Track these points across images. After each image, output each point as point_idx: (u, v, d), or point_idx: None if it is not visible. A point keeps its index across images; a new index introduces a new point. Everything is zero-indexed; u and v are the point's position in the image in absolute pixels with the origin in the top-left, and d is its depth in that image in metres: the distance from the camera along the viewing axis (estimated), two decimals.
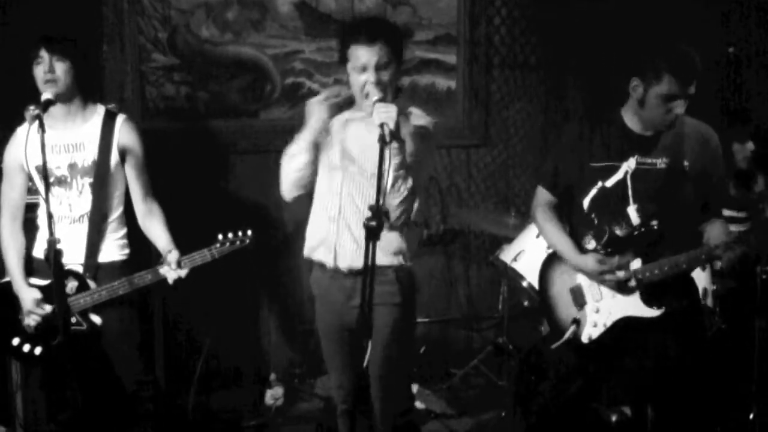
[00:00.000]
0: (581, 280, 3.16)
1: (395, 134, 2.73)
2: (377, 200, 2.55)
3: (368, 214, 2.55)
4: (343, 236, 3.00)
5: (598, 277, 3.07)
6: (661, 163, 2.99)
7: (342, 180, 3.00)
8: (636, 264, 3.04)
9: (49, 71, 3.12)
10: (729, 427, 3.80)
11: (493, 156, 4.84)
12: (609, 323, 3.07)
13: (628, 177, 3.00)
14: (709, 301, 3.70)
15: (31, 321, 3.26)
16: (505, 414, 4.16)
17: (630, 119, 3.03)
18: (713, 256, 2.98)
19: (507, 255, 4.09)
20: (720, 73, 4.72)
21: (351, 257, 2.98)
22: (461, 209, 4.78)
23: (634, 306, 3.05)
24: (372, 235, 2.55)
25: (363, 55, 2.86)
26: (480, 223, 4.67)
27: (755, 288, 3.72)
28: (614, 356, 3.14)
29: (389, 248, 2.97)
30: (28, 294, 3.25)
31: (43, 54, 3.13)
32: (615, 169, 3.03)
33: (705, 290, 3.70)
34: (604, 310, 3.09)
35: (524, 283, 3.97)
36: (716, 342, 3.75)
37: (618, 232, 3.06)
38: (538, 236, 4.02)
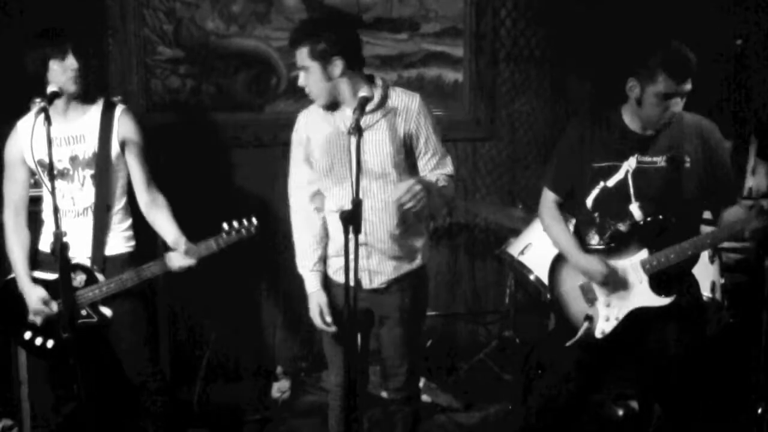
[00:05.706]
0: None
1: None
2: (357, 192, 2.57)
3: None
4: (373, 259, 3.01)
5: (597, 280, 3.08)
6: (661, 161, 3.01)
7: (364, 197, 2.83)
8: (643, 254, 3.04)
9: (71, 68, 3.10)
10: (737, 422, 3.80)
11: (499, 149, 4.82)
12: (621, 316, 3.08)
13: (629, 176, 3.03)
14: (717, 295, 3.70)
15: (37, 320, 3.26)
16: (511, 407, 4.15)
17: (630, 119, 3.06)
18: (735, 233, 2.95)
19: (514, 248, 4.08)
20: (726, 65, 4.69)
21: (387, 275, 3.03)
22: (467, 200, 4.76)
23: (644, 296, 3.05)
24: (347, 224, 2.58)
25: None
26: (487, 213, 4.66)
27: (763, 281, 3.71)
28: (628, 348, 3.14)
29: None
30: (34, 293, 3.22)
31: (58, 52, 3.09)
32: (616, 169, 3.05)
33: (713, 284, 3.69)
34: (615, 303, 3.09)
35: (531, 277, 3.96)
36: (724, 336, 3.73)
37: (621, 227, 3.07)
38: (545, 230, 4.02)
